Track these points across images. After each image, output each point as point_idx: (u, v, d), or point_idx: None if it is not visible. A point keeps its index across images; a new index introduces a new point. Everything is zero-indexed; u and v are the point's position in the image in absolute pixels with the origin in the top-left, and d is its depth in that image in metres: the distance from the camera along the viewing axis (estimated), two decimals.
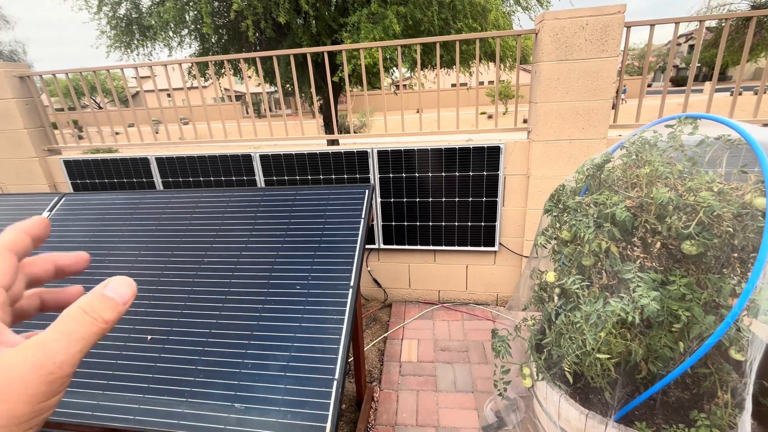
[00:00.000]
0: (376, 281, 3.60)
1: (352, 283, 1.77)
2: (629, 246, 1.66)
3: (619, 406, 1.61)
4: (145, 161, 3.51)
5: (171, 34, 6.77)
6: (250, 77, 8.34)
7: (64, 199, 2.49)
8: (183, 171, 3.47)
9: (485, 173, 3.03)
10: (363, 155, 3.14)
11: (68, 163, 3.68)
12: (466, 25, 4.70)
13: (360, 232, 1.97)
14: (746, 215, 1.31)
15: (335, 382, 1.48)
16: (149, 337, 1.75)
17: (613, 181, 1.78)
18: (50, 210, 2.42)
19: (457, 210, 3.18)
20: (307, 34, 5.27)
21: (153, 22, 6.04)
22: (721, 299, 1.44)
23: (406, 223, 3.31)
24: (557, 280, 1.91)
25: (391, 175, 3.18)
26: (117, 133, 4.05)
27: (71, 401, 1.58)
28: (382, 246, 3.42)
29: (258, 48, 6.55)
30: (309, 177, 3.28)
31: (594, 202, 1.73)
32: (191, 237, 2.13)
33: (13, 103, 3.47)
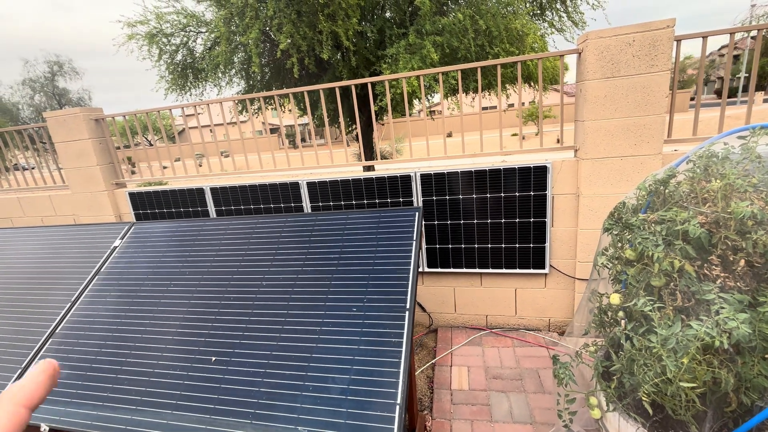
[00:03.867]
0: (420, 305, 3.55)
1: (408, 306, 1.77)
2: (705, 265, 1.56)
3: None
4: (200, 191, 3.75)
5: (220, 74, 7.37)
6: (290, 110, 8.82)
7: (133, 227, 2.69)
8: (235, 200, 3.67)
9: (532, 193, 2.97)
10: (406, 179, 3.19)
11: (132, 195, 4.00)
12: (503, 49, 4.78)
13: (413, 254, 1.97)
14: None
15: (397, 407, 1.46)
16: (213, 358, 1.81)
17: (680, 197, 1.69)
18: (122, 238, 2.63)
19: (503, 231, 3.12)
20: (347, 68, 5.57)
21: (205, 66, 6.62)
22: None
23: (450, 246, 3.28)
24: (622, 302, 1.81)
25: (434, 197, 3.20)
26: (165, 167, 4.37)
27: (141, 420, 1.65)
28: (427, 269, 3.39)
29: (300, 83, 6.97)
30: (354, 202, 3.36)
31: (661, 219, 1.65)
32: (249, 262, 2.23)
33: (89, 143, 3.86)
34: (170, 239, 2.53)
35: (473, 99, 8.61)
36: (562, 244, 3.06)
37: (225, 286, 2.12)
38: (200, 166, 4.12)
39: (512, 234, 3.10)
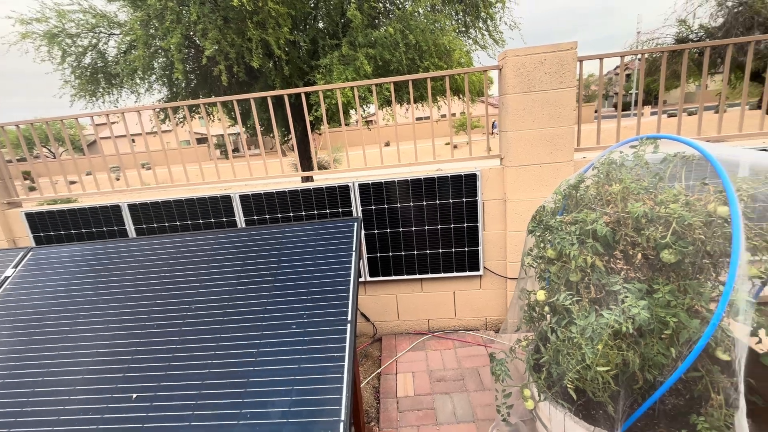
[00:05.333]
0: (364, 315, 3.54)
1: (349, 318, 1.75)
2: (611, 259, 1.75)
3: (623, 418, 1.63)
4: (116, 209, 3.38)
5: (138, 80, 6.76)
6: (220, 120, 8.37)
7: (30, 254, 2.34)
8: (158, 217, 3.37)
9: (465, 200, 3.13)
10: (345, 189, 3.18)
11: (30, 216, 3.48)
12: (432, 63, 5.04)
13: (352, 265, 1.96)
14: (713, 223, 1.43)
15: (341, 425, 1.43)
16: (134, 395, 1.62)
17: (589, 200, 1.89)
18: (15, 266, 2.27)
19: (440, 237, 3.24)
20: (280, 77, 5.44)
21: (120, 70, 6.03)
22: (702, 303, 1.53)
23: (391, 254, 3.33)
24: (547, 298, 1.96)
25: (373, 207, 3.22)
26: (72, 182, 3.90)
27: None
28: (369, 279, 3.39)
29: (229, 91, 6.65)
30: (291, 214, 3.26)
31: (574, 220, 1.83)
32: (175, 284, 2.05)
33: None
34: (79, 264, 2.24)
35: (407, 110, 8.94)
36: (493, 247, 3.26)
37: (147, 313, 1.93)
38: (117, 180, 3.72)
39: (448, 239, 3.24)
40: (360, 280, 3.41)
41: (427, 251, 3.29)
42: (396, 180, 3.14)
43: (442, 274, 3.33)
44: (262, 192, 3.21)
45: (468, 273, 3.30)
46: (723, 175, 1.35)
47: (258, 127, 2.98)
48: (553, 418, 1.89)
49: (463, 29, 6.23)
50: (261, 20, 4.53)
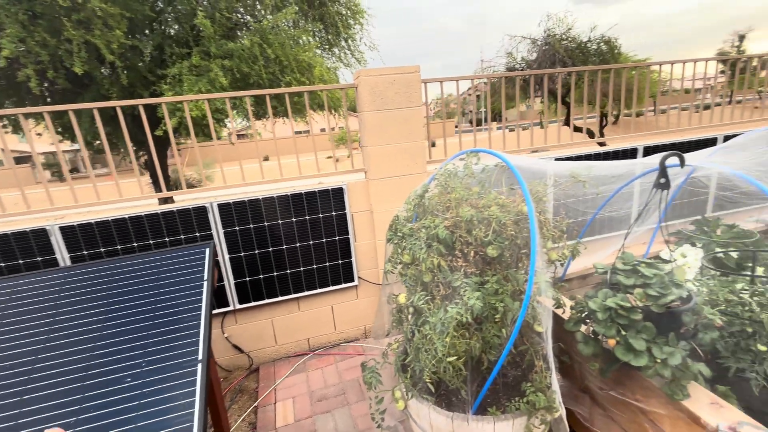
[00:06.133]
0: (236, 347, 3.25)
1: (200, 357, 1.57)
2: (453, 258, 1.98)
3: (473, 399, 1.84)
4: None
5: None
6: (40, 134, 6.77)
7: None
8: None
9: (334, 213, 3.17)
10: (201, 211, 2.89)
11: None
12: (294, 78, 5.01)
13: (204, 297, 1.78)
14: (521, 220, 1.74)
15: None
16: None
17: (433, 207, 2.11)
18: None
19: (314, 253, 3.20)
20: (117, 86, 4.64)
21: None
22: (521, 287, 1.83)
23: (262, 276, 3.14)
24: (408, 300, 2.10)
25: (238, 227, 3.00)
26: None
27: None
28: (239, 306, 3.14)
29: (50, 100, 5.42)
30: (136, 244, 2.81)
31: (423, 227, 2.00)
32: None
33: None
34: None
35: (283, 123, 8.71)
36: (365, 256, 3.37)
37: None
38: None
39: (322, 254, 3.22)
40: (228, 308, 3.12)
41: (302, 268, 3.21)
42: (261, 198, 3.00)
43: (319, 290, 3.29)
44: (93, 221, 2.68)
45: (344, 285, 3.34)
46: (521, 181, 1.65)
47: (81, 141, 2.45)
48: (421, 413, 2.02)
49: (327, 46, 6.43)
50: (83, 19, 3.82)
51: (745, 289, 1.97)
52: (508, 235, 1.75)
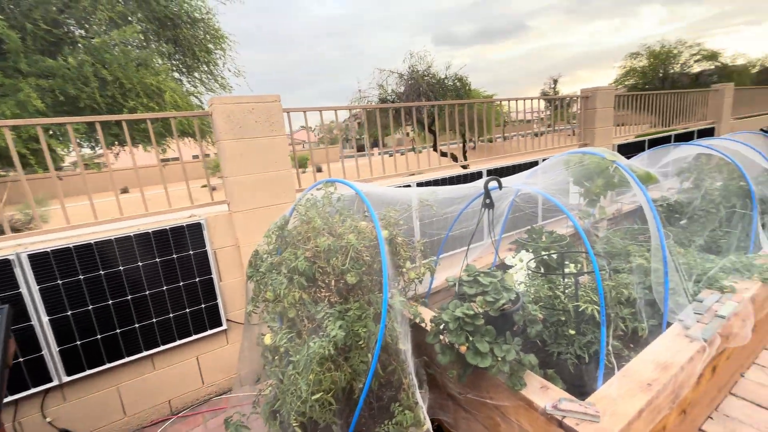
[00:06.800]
0: (66, 431, 2.58)
1: None
2: (317, 289, 1.95)
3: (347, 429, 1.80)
4: None
5: None
6: None
7: None
8: None
9: (192, 252, 2.84)
10: (3, 265, 2.27)
11: None
12: (140, 104, 4.43)
13: None
14: (377, 245, 1.81)
15: None
16: None
17: (295, 238, 2.06)
18: None
19: (168, 299, 2.79)
20: None
21: None
22: (381, 309, 1.89)
23: (100, 336, 2.60)
24: (273, 341, 1.98)
25: (61, 281, 2.44)
26: None
27: None
28: (67, 378, 2.52)
29: None
30: None
31: (283, 260, 1.93)
32: None
33: None
34: None
35: (145, 151, 7.61)
36: (234, 296, 3.10)
37: None
38: None
39: (179, 299, 2.84)
40: (51, 384, 2.48)
41: (154, 320, 2.77)
42: (94, 242, 2.51)
43: (179, 341, 2.87)
44: None
45: (211, 331, 2.99)
46: (370, 209, 1.73)
47: None
48: None
49: (186, 70, 5.91)
50: None
51: (559, 285, 2.42)
52: (365, 261, 1.80)
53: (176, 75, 5.82)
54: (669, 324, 2.30)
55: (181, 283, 2.83)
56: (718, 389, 2.48)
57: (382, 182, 3.87)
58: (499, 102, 8.05)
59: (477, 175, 4.42)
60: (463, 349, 1.89)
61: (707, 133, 7.72)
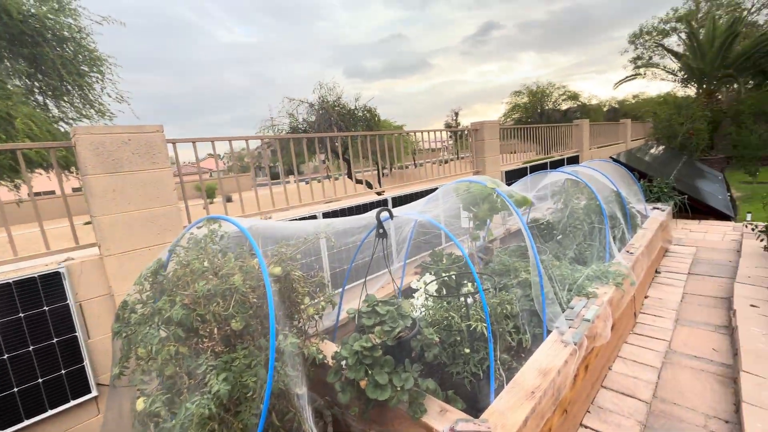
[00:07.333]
0: None
1: None
2: (198, 340, 1.75)
3: None
4: None
5: None
6: None
7: None
8: None
9: (47, 308, 2.37)
10: None
11: None
12: None
13: None
14: (261, 286, 1.71)
15: None
16: None
17: (172, 284, 1.84)
18: None
19: (11, 370, 2.26)
20: None
21: None
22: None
23: None
24: (146, 405, 1.71)
25: None
26: None
27: None
28: None
29: None
30: None
31: (156, 310, 1.71)
32: None
33: None
34: None
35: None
36: (108, 355, 2.63)
37: None
38: None
39: (29, 368, 2.32)
40: None
41: None
42: None
43: (26, 423, 2.32)
44: None
45: (75, 402, 2.48)
46: (255, 247, 1.64)
47: None
48: None
49: (50, 93, 5.10)
50: None
51: (454, 306, 2.55)
52: (252, 303, 1.68)
53: (40, 99, 5.00)
54: (550, 331, 2.57)
55: (31, 348, 2.32)
56: (591, 385, 2.82)
57: (296, 211, 3.77)
58: (407, 133, 8.53)
59: (386, 202, 4.56)
60: (363, 383, 1.86)
61: (574, 160, 9.16)
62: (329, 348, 2.38)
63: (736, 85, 18.20)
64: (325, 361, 2.13)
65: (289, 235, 2.12)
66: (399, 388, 1.82)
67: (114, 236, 2.58)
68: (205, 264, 1.73)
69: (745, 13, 19.57)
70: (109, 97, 5.58)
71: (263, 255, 1.95)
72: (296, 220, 3.46)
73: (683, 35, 19.61)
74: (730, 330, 3.53)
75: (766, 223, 5.18)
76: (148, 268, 1.87)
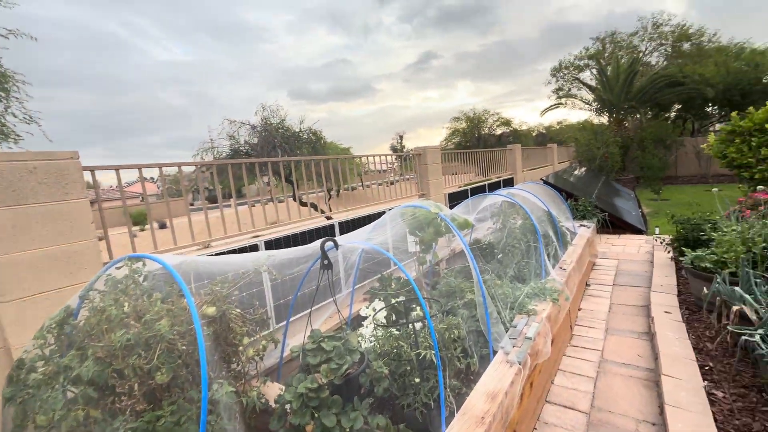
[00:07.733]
0: None
1: None
2: (115, 399, 1.53)
3: None
4: None
5: None
6: None
7: None
8: None
9: None
10: None
11: None
12: None
13: None
14: (192, 330, 1.55)
15: None
16: None
17: (84, 334, 1.61)
18: None
19: None
20: None
21: None
22: (210, 406, 1.60)
23: None
24: None
25: None
26: None
27: None
28: None
29: None
30: None
31: (61, 368, 1.47)
32: None
33: None
34: None
35: None
36: None
37: None
38: None
39: None
40: None
41: None
42: None
43: None
44: None
45: None
46: (182, 284, 1.48)
47: None
48: None
49: None
50: None
51: (405, 333, 2.52)
52: (181, 350, 1.51)
53: None
54: (496, 351, 2.62)
55: None
56: (537, 400, 2.91)
57: (236, 240, 3.54)
58: (353, 157, 8.58)
59: (333, 228, 4.48)
60: (309, 429, 1.73)
61: (509, 182, 9.81)
62: (272, 390, 2.22)
63: (638, 116, 20.98)
64: (269, 406, 1.97)
65: (227, 270, 1.97)
66: (347, 429, 1.73)
67: (13, 279, 2.22)
68: (125, 309, 1.53)
69: (641, 54, 22.83)
70: (14, 117, 4.94)
71: (195, 294, 1.78)
72: (235, 251, 3.25)
73: (594, 71, 22.30)
74: (650, 336, 3.88)
75: (671, 237, 5.88)
76: (51, 317, 1.61)
